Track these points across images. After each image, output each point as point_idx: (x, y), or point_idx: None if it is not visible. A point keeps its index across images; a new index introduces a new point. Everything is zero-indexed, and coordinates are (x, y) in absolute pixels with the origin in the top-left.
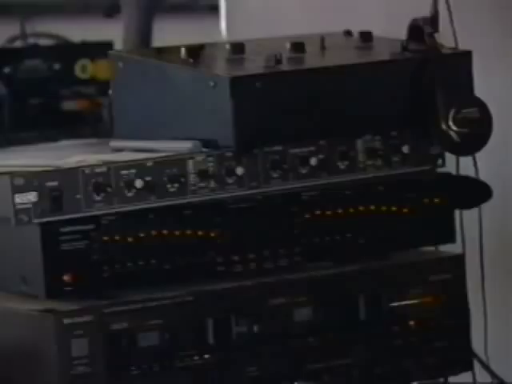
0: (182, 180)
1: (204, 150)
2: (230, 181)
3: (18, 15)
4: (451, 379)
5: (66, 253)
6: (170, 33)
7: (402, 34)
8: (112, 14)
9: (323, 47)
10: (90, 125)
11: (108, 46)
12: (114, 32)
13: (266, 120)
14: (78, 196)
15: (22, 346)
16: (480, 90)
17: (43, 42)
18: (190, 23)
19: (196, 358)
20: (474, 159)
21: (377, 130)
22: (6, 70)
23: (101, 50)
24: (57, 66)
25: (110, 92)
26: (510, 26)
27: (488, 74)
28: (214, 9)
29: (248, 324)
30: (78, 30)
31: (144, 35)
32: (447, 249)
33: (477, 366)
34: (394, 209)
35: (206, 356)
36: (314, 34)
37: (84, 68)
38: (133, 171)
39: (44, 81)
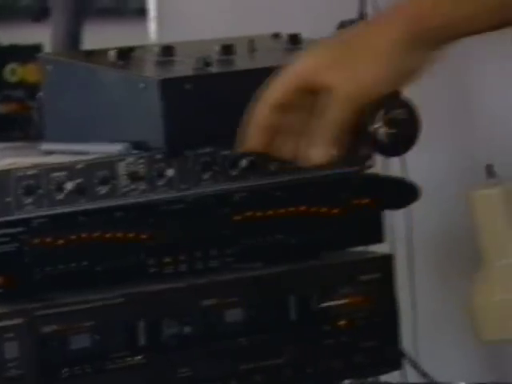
0: (113, 182)
1: (134, 152)
2: (160, 183)
3: None
4: (383, 378)
5: None
6: (98, 37)
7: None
8: (40, 18)
9: (252, 49)
10: (19, 128)
11: (37, 49)
12: (42, 36)
13: (196, 122)
14: (8, 199)
15: None
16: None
17: None
18: (119, 27)
19: (128, 359)
20: (403, 160)
21: None
22: None
23: (30, 53)
24: None
25: (40, 95)
26: None
27: None
28: (143, 13)
29: (179, 325)
30: (7, 34)
31: (73, 39)
32: (376, 249)
33: (408, 364)
34: (323, 210)
35: (138, 357)
36: (243, 37)
37: (13, 71)
38: (63, 173)
39: None
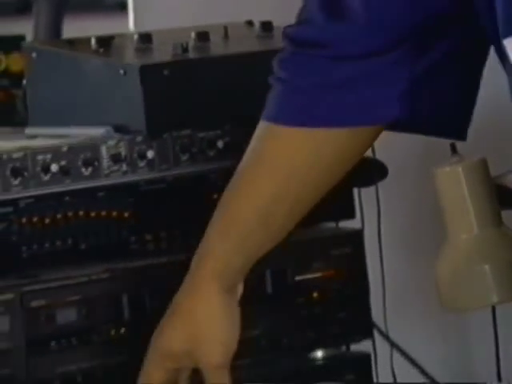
0: (96, 164)
1: (116, 135)
2: (141, 164)
3: None
4: (353, 347)
5: None
6: (78, 30)
7: None
8: (23, 10)
9: (226, 36)
10: (4, 115)
11: (20, 39)
12: (25, 27)
13: (174, 105)
14: None
15: None
16: None
17: None
18: (99, 20)
19: (112, 332)
20: None
21: None
22: None
23: (13, 43)
24: None
25: (24, 82)
26: None
27: None
28: (122, 6)
29: (161, 299)
30: None
31: (55, 29)
32: (347, 225)
33: (377, 335)
34: None
35: (122, 330)
36: (217, 24)
37: None
38: (48, 156)
39: None
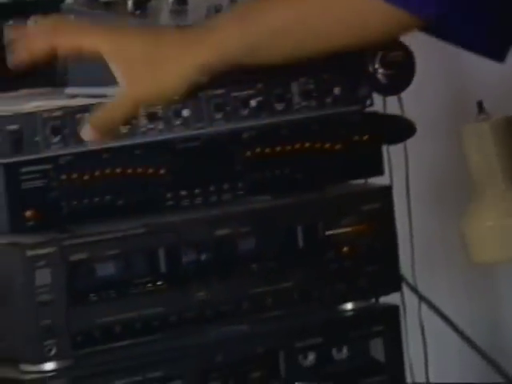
0: (133, 122)
1: None
2: (177, 122)
3: None
4: (382, 300)
5: (27, 191)
6: None
7: None
8: None
9: None
10: (45, 76)
11: (60, 1)
12: None
13: None
14: (37, 138)
15: None
16: None
17: None
18: None
19: (149, 284)
20: (400, 99)
21: (310, 74)
22: None
23: (53, 5)
24: (11, 22)
25: None
26: None
27: None
28: None
29: (196, 253)
30: None
31: None
32: (376, 181)
33: (405, 288)
34: (327, 146)
35: (159, 283)
36: None
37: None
38: (87, 115)
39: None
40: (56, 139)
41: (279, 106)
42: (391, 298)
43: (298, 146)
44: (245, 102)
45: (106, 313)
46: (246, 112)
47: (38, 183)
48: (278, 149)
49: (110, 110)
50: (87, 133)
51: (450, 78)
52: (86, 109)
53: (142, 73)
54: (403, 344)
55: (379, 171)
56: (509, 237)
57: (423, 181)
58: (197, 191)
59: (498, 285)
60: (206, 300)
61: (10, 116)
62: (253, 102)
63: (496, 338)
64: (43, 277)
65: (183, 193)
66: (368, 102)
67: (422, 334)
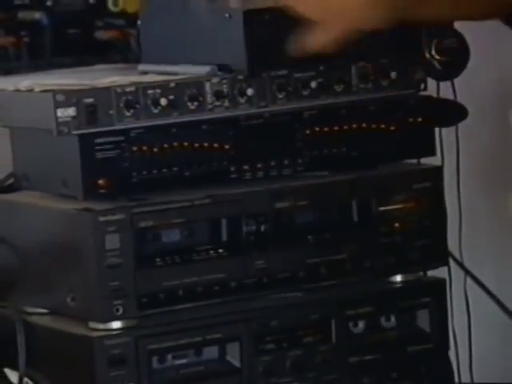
0: (200, 99)
1: (219, 73)
2: (241, 100)
3: None
4: (430, 273)
5: (101, 160)
6: None
7: None
8: None
9: None
10: (120, 52)
11: None
12: None
13: (273, 48)
14: (111, 112)
15: (62, 240)
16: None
17: None
18: None
19: (211, 252)
20: (453, 84)
21: (369, 58)
22: (48, 3)
23: None
24: (92, 1)
25: (139, 23)
26: None
27: None
28: None
29: (256, 224)
30: None
31: None
32: (428, 161)
33: (452, 263)
34: (382, 126)
35: (220, 251)
36: None
37: (115, 2)
38: (158, 91)
39: (80, 13)
40: (128, 113)
41: (338, 88)
42: (438, 272)
43: (355, 125)
44: (306, 83)
45: (170, 277)
46: (306, 92)
47: (111, 154)
48: (336, 128)
49: None
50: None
51: (504, 64)
52: (157, 85)
53: None
54: (448, 316)
55: (431, 152)
56: None
57: (473, 162)
58: (259, 166)
59: None
60: (264, 268)
61: (87, 90)
62: (313, 84)
63: None
64: (113, 241)
65: (246, 167)
66: (422, 86)
67: (467, 307)
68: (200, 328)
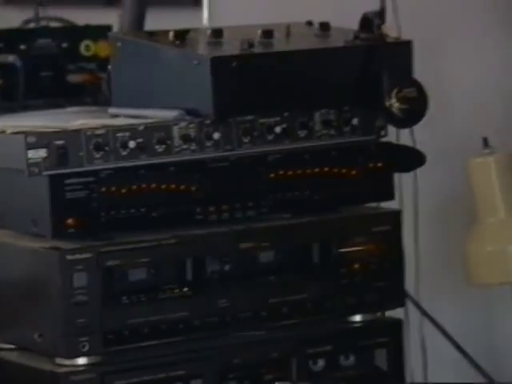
0: (168, 142)
1: (187, 117)
2: (208, 144)
3: (33, 2)
4: (388, 314)
5: (70, 201)
6: (158, 23)
7: (355, 25)
8: (111, 2)
9: (288, 34)
10: (91, 95)
11: (108, 29)
12: (112, 18)
13: (239, 94)
14: (81, 153)
15: (31, 278)
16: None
17: (54, 24)
18: (176, 15)
19: (176, 291)
20: (412, 131)
21: (332, 105)
22: (22, 46)
23: (102, 32)
24: (64, 45)
25: (110, 67)
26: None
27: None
28: (197, 2)
29: (220, 264)
30: (83, 16)
31: (138, 22)
32: (387, 205)
33: (410, 303)
34: (344, 171)
35: (185, 289)
36: (280, 23)
37: (87, 47)
38: (127, 134)
39: (53, 57)
40: (98, 155)
41: (302, 133)
42: (397, 313)
43: (317, 170)
44: (270, 128)
45: (136, 315)
46: (271, 137)
47: (80, 194)
48: (299, 172)
49: None
50: None
51: (460, 114)
52: (126, 128)
53: None
54: (404, 355)
55: (390, 196)
56: (506, 262)
57: (431, 206)
58: (224, 207)
59: (494, 304)
60: (227, 307)
61: (58, 132)
62: (278, 129)
63: (492, 354)
64: (80, 279)
65: (211, 208)
66: (382, 133)
67: (423, 345)
68: (164, 365)
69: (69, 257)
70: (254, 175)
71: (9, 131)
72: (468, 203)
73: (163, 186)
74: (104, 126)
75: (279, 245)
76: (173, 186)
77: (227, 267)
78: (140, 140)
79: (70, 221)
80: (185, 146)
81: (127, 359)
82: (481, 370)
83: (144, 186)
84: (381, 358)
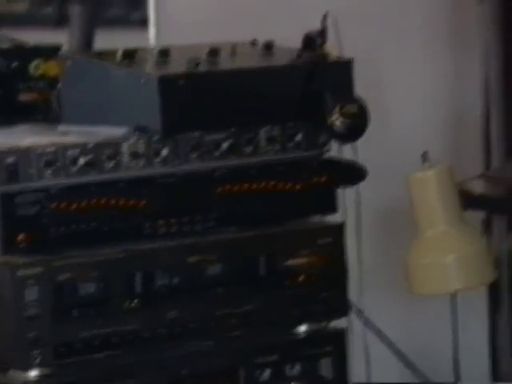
0: (117, 158)
1: (135, 134)
2: (156, 160)
3: None
4: (333, 323)
5: (21, 217)
6: (107, 43)
7: (297, 43)
8: (61, 23)
9: (234, 53)
10: (41, 113)
11: (57, 49)
12: (62, 38)
13: (187, 111)
14: (32, 170)
15: None
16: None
17: (4, 45)
18: (124, 34)
19: (126, 303)
20: (355, 146)
21: (276, 122)
22: None
23: (51, 52)
24: (14, 65)
25: (59, 86)
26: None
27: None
28: (144, 23)
29: (169, 277)
30: (33, 36)
31: (87, 42)
32: (331, 219)
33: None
34: (288, 186)
35: (135, 302)
36: (226, 42)
37: (37, 67)
38: (77, 150)
39: (4, 76)
40: (48, 172)
41: (248, 149)
42: (342, 322)
43: (262, 184)
44: (217, 145)
45: (87, 327)
46: (218, 153)
47: (31, 210)
48: (246, 187)
49: None
50: None
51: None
52: (75, 145)
53: None
54: (348, 363)
55: (333, 209)
56: (444, 273)
57: (374, 218)
58: (172, 221)
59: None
60: (176, 319)
61: (8, 150)
62: (225, 145)
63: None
64: (31, 294)
65: (160, 222)
66: (326, 148)
67: (367, 354)
68: (114, 376)
69: (20, 272)
70: (202, 190)
71: None
72: (410, 216)
73: (113, 202)
74: (54, 144)
75: (226, 258)
76: (122, 201)
77: (176, 280)
78: (90, 156)
79: (20, 236)
80: (134, 162)
81: (79, 371)
82: (419, 372)
83: (94, 201)
84: (326, 368)
